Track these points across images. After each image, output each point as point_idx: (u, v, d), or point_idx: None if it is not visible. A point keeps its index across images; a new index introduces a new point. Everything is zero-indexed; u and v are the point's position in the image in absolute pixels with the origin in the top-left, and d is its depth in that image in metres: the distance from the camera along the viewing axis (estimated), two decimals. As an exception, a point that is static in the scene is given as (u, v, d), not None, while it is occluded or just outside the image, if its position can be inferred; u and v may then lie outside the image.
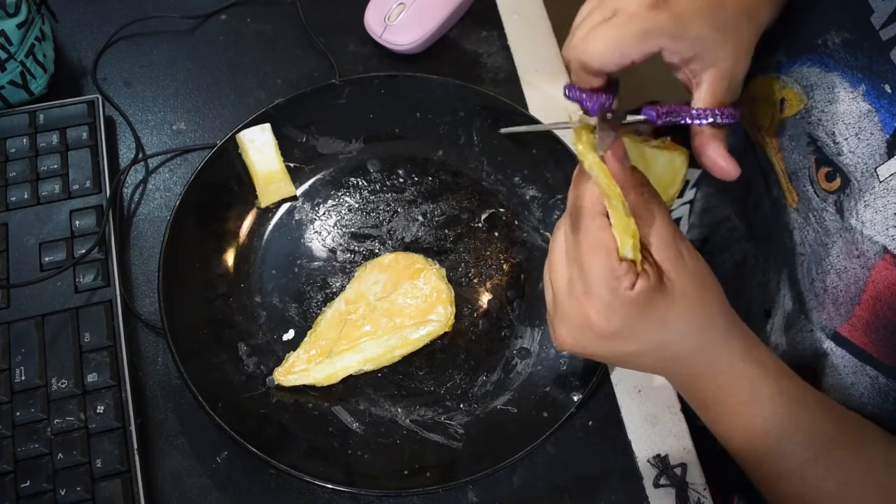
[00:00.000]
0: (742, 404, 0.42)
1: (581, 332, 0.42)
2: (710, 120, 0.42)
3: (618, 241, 0.39)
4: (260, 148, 0.58)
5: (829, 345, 0.46)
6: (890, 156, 0.41)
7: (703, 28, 0.41)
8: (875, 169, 0.42)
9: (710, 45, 0.41)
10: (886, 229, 0.41)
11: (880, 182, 0.41)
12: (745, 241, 0.60)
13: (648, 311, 0.40)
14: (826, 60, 0.45)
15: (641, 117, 0.44)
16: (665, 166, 0.48)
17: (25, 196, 0.55)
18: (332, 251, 0.57)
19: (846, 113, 0.44)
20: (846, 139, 0.44)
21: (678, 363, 0.43)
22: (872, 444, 0.42)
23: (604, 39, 0.41)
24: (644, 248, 0.40)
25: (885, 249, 0.41)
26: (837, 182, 0.44)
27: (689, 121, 0.43)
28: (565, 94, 0.44)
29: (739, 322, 0.43)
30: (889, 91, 0.41)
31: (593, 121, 0.42)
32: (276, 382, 0.51)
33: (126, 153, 0.61)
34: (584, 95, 0.43)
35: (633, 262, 0.39)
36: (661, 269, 0.40)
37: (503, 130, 0.44)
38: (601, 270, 0.39)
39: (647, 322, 0.40)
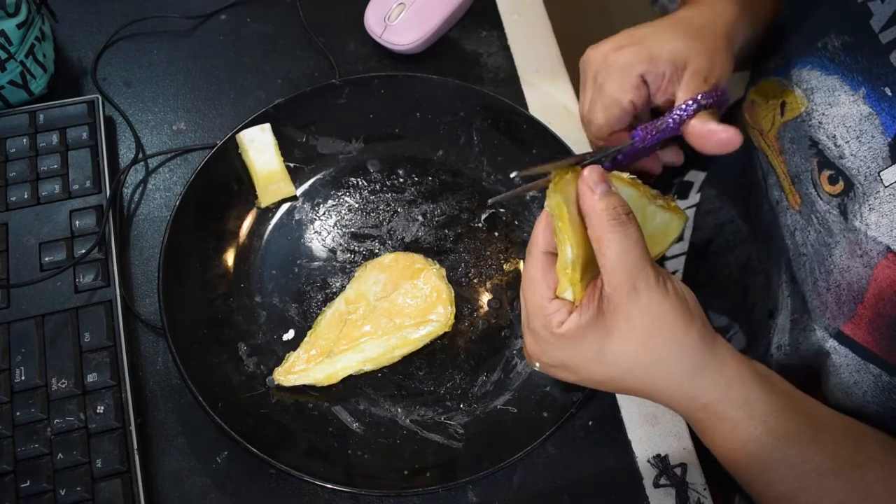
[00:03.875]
0: (722, 438, 0.41)
1: (531, 356, 0.44)
2: (694, 107, 0.44)
3: (559, 281, 0.41)
4: (260, 148, 0.58)
5: (832, 344, 0.46)
6: (893, 160, 0.41)
7: (668, 42, 0.46)
8: (878, 173, 0.42)
9: (681, 53, 0.45)
10: (891, 231, 0.41)
11: (885, 187, 0.41)
12: (749, 243, 0.60)
13: (578, 347, 0.41)
14: (826, 63, 0.45)
15: (627, 143, 0.45)
16: (659, 226, 0.48)
17: (25, 196, 0.55)
18: (332, 251, 0.57)
19: (847, 116, 0.44)
20: (847, 142, 0.44)
21: (640, 394, 0.43)
22: (872, 463, 0.41)
23: (599, 106, 0.47)
24: (600, 277, 0.40)
25: (889, 249, 0.41)
26: (841, 186, 0.44)
27: (675, 119, 0.44)
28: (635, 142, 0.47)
29: (719, 358, 0.40)
30: (889, 94, 0.41)
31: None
32: (276, 382, 0.51)
33: (126, 153, 0.61)
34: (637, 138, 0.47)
35: (571, 301, 0.41)
36: (608, 302, 0.39)
37: (490, 201, 0.47)
38: (535, 306, 0.42)
39: (579, 357, 0.41)
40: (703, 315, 0.41)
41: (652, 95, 0.47)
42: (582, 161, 0.43)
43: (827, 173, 0.45)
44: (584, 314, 0.40)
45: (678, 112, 0.44)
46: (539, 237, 0.43)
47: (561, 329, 0.40)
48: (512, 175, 0.43)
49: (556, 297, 0.41)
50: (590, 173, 0.41)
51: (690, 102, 0.43)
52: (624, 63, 0.46)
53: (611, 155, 0.46)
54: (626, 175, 0.45)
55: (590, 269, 0.41)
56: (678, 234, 0.48)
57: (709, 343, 0.40)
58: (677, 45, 0.45)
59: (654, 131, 0.45)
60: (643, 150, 0.47)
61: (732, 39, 0.48)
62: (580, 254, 0.41)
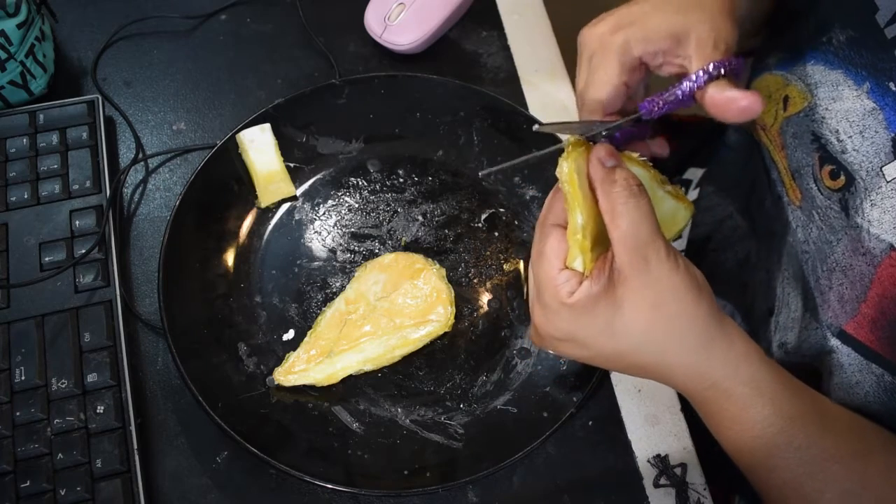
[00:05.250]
0: (730, 419, 0.41)
1: (537, 333, 0.44)
2: (704, 77, 0.42)
3: (569, 250, 0.41)
4: (260, 148, 0.58)
5: (834, 343, 0.46)
6: None
7: (666, 18, 0.44)
8: (881, 168, 0.41)
9: (680, 26, 0.44)
10: (894, 228, 0.40)
11: (887, 182, 0.41)
12: (748, 240, 0.60)
13: (588, 318, 0.40)
14: (830, 58, 0.45)
15: (634, 116, 0.44)
16: (667, 213, 0.47)
17: (25, 196, 0.55)
18: (332, 251, 0.57)
19: (850, 111, 0.43)
20: (850, 137, 0.43)
21: (650, 372, 0.42)
22: (874, 454, 0.41)
23: (592, 86, 0.45)
24: (611, 249, 0.40)
25: (892, 247, 0.41)
26: (842, 180, 0.44)
27: (684, 90, 0.42)
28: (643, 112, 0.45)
29: (728, 336, 0.41)
30: (894, 89, 0.41)
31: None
32: (276, 382, 0.51)
33: (126, 153, 0.61)
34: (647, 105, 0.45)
35: (581, 272, 0.41)
36: (619, 274, 0.39)
37: (482, 173, 0.46)
38: (545, 277, 0.41)
39: (589, 329, 0.41)
40: (711, 293, 0.41)
41: (655, 71, 0.46)
42: (592, 128, 0.43)
43: (828, 168, 0.45)
44: (594, 284, 0.40)
45: (688, 83, 0.42)
46: (549, 210, 0.43)
47: (571, 299, 0.40)
48: (535, 128, 0.43)
49: (566, 268, 0.41)
50: (600, 149, 0.41)
51: (701, 73, 0.42)
52: (619, 45, 0.45)
53: (617, 127, 0.45)
54: (636, 155, 0.45)
55: (601, 243, 0.41)
56: (685, 224, 0.48)
57: (718, 320, 0.40)
58: (675, 19, 0.44)
59: (661, 103, 0.43)
60: (638, 131, 0.46)
61: (732, 7, 0.46)
62: (590, 223, 0.41)
